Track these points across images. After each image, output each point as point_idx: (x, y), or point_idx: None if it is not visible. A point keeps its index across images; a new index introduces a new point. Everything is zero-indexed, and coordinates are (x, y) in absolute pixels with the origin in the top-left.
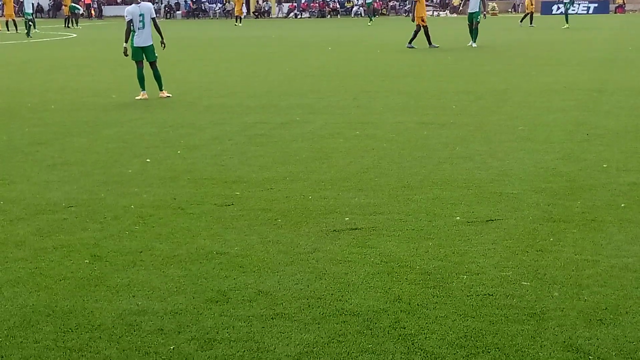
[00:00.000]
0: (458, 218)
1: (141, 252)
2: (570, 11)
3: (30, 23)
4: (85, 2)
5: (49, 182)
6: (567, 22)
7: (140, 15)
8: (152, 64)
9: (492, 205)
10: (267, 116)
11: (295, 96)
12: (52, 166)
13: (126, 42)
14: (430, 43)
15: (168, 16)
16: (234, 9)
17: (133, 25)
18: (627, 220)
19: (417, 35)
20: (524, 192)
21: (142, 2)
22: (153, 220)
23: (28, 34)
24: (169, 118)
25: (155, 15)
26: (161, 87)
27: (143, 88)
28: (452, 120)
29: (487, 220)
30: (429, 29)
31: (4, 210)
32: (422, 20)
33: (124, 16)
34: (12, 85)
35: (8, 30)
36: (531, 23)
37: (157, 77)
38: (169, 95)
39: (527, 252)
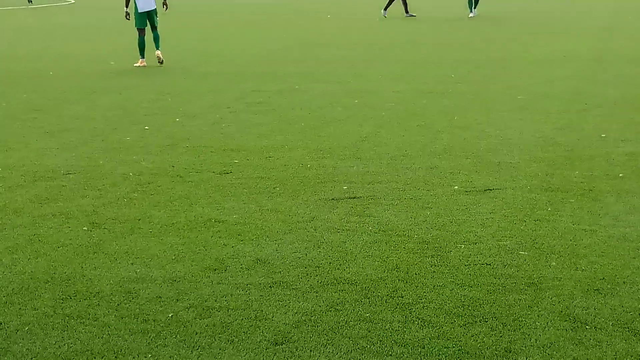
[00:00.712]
0: (456, 187)
1: (139, 219)
2: None
3: None
4: None
5: (47, 149)
6: None
7: None
8: (155, 28)
9: (490, 175)
10: (265, 84)
11: (294, 64)
12: (50, 133)
13: (127, 6)
14: (407, 12)
15: None
16: None
17: None
18: (625, 191)
19: (393, 2)
20: (522, 162)
21: None
22: (151, 187)
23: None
24: (166, 85)
25: None
26: (158, 47)
27: (142, 56)
28: (450, 89)
29: (485, 190)
30: None
31: (2, 177)
32: None
33: None
34: (9, 52)
35: None
36: None
37: (157, 39)
38: (162, 60)
39: (525, 221)
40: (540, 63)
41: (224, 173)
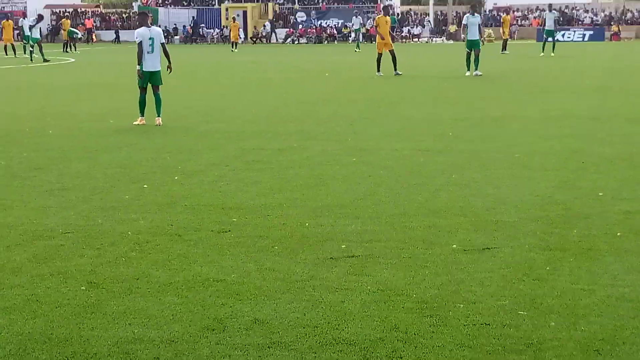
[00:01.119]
0: (454, 246)
1: (138, 279)
2: (549, 39)
3: (31, 48)
4: (87, 27)
5: (47, 207)
6: (542, 51)
7: (150, 39)
8: (156, 88)
9: (488, 234)
10: (265, 142)
11: (293, 122)
12: (49, 191)
13: (139, 64)
14: (395, 68)
15: (166, 41)
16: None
17: (142, 48)
18: (623, 250)
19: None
20: (520, 220)
21: (152, 27)
22: (150, 246)
23: (44, 59)
24: (166, 143)
25: (164, 41)
26: (159, 113)
27: (142, 114)
28: (448, 147)
29: (483, 249)
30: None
31: (0, 236)
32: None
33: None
34: (10, 110)
35: (7, 54)
36: (504, 49)
37: (159, 103)
38: (160, 123)
39: (524, 281)
40: (537, 121)
41: (223, 232)
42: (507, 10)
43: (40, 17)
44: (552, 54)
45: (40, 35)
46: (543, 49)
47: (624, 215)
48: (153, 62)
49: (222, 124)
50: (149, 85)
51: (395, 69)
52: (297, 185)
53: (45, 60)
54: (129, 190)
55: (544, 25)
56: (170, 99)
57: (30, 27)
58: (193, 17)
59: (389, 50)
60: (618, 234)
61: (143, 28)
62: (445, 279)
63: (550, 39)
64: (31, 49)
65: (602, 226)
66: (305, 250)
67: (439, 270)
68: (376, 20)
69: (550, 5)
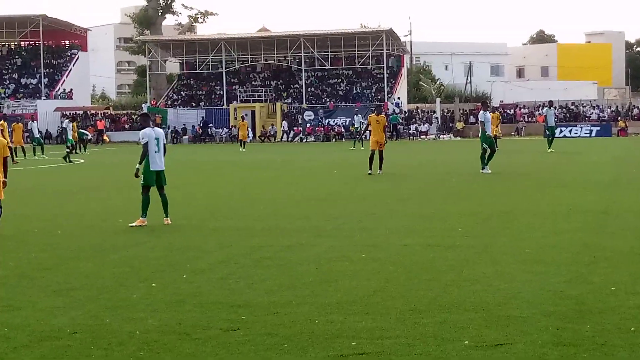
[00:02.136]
0: (467, 342)
1: None
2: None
3: (69, 149)
4: (98, 128)
5: (54, 307)
6: (549, 147)
7: (155, 139)
8: (162, 189)
9: (500, 329)
10: (273, 239)
11: (301, 219)
12: (57, 292)
13: (140, 163)
14: (380, 167)
15: (175, 141)
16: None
17: (149, 149)
18: (638, 345)
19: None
20: (533, 316)
21: (155, 127)
22: (158, 346)
23: (71, 157)
24: (175, 241)
25: (165, 141)
26: (167, 214)
27: (145, 214)
28: (458, 242)
29: (496, 345)
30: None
31: (7, 338)
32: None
33: (136, 141)
34: (20, 211)
35: (16, 156)
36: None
37: (166, 203)
38: (170, 222)
39: None
40: (547, 215)
41: (231, 330)
42: (494, 108)
43: (73, 117)
44: (553, 150)
45: (68, 138)
46: (549, 145)
47: (637, 309)
48: (160, 161)
49: (231, 221)
50: (154, 185)
51: (380, 168)
52: (306, 282)
53: (69, 162)
54: (137, 289)
55: (546, 122)
56: (179, 197)
57: (65, 129)
58: (202, 117)
59: (379, 150)
60: (632, 328)
61: (148, 129)
62: None
63: (549, 134)
64: (68, 150)
65: (615, 321)
66: (315, 347)
67: None
68: (368, 119)
69: (550, 102)
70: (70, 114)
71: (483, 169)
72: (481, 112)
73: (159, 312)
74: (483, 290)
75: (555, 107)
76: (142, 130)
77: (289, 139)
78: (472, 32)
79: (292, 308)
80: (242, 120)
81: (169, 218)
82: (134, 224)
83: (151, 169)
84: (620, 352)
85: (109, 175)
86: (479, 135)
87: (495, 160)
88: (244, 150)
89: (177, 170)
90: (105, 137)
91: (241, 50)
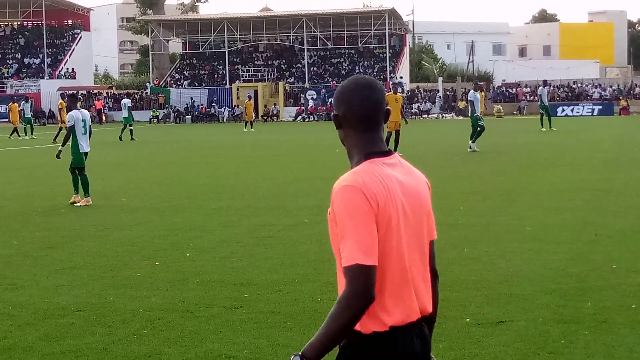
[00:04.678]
0: (468, 320)
1: (149, 356)
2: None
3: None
4: (97, 108)
5: (58, 286)
6: (542, 126)
7: (82, 121)
8: (84, 169)
9: (502, 307)
10: (276, 218)
11: (304, 198)
12: (61, 270)
13: (63, 146)
14: (395, 149)
15: (177, 121)
16: (242, 113)
17: (75, 131)
18: (639, 322)
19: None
20: (534, 293)
21: (82, 109)
22: (161, 323)
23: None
24: (178, 221)
25: (90, 123)
26: (88, 193)
27: (88, 193)
28: (459, 220)
29: (497, 322)
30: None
31: (12, 315)
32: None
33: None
34: (23, 190)
35: (12, 135)
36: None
37: (86, 183)
38: (88, 203)
39: (539, 354)
40: (548, 194)
41: (234, 308)
42: (481, 87)
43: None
44: (554, 129)
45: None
46: (543, 125)
47: (638, 287)
48: (86, 144)
49: (233, 201)
50: (84, 166)
51: (395, 150)
52: (309, 260)
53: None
54: (141, 268)
55: (541, 101)
56: (182, 177)
57: (129, 108)
58: (205, 97)
59: (395, 131)
60: (633, 306)
61: (74, 111)
62: (459, 353)
63: (544, 112)
64: (130, 127)
65: (616, 298)
66: (317, 325)
67: (452, 344)
68: (386, 98)
69: (545, 81)
70: (66, 93)
71: (470, 147)
72: (471, 91)
73: (162, 290)
74: (484, 269)
75: (550, 86)
76: (69, 113)
77: (293, 118)
78: (475, 11)
79: (294, 286)
80: (249, 100)
81: (89, 198)
82: (81, 204)
83: (81, 152)
84: (621, 329)
85: (109, 155)
86: (469, 114)
87: (496, 139)
88: (253, 130)
89: (180, 150)
90: (103, 117)
91: (244, 30)
